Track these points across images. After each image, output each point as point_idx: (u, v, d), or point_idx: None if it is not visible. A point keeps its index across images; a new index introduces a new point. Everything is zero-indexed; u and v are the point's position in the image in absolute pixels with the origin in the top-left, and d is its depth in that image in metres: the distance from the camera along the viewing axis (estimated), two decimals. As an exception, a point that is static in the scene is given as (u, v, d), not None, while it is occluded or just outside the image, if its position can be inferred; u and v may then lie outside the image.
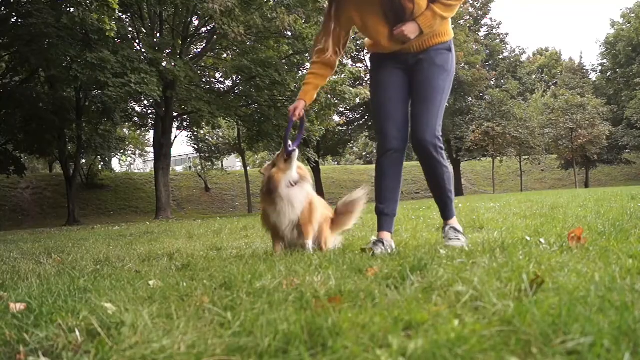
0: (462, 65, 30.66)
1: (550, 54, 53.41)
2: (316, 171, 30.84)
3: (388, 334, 1.06)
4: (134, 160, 42.55)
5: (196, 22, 20.67)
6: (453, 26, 26.73)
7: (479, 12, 35.77)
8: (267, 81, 18.25)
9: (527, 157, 33.24)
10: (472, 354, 0.94)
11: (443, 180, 2.60)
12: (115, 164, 37.90)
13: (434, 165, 2.56)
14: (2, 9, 15.92)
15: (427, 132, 2.49)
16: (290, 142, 2.70)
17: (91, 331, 1.28)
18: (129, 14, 19.03)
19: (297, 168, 2.74)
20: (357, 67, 29.11)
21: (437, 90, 2.53)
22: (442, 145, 2.55)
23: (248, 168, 31.44)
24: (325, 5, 14.69)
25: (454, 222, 2.70)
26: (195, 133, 29.92)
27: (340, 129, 33.88)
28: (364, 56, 30.83)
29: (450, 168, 2.67)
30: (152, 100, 18.75)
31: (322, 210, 2.87)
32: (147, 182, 31.41)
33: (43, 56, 15.08)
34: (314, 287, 1.59)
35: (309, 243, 2.74)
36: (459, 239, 2.57)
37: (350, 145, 41.66)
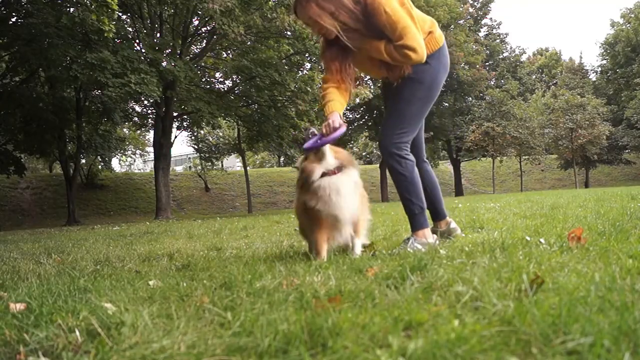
0: (462, 65, 30.66)
1: (550, 54, 53.41)
2: (316, 171, 30.76)
3: (388, 334, 1.06)
4: (134, 161, 42.60)
5: (196, 22, 20.67)
6: (452, 27, 26.13)
7: (479, 12, 35.78)
8: (267, 81, 18.24)
9: (527, 157, 33.24)
10: (472, 354, 0.94)
11: (398, 187, 2.60)
12: (115, 163, 37.94)
13: (391, 171, 2.60)
14: (2, 8, 15.90)
15: (384, 139, 2.56)
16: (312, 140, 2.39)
17: (91, 331, 1.28)
18: (128, 14, 19.02)
19: (335, 152, 2.42)
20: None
21: (397, 99, 2.57)
22: (401, 153, 2.53)
23: (248, 168, 31.43)
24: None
25: (419, 234, 2.59)
26: (195, 133, 29.92)
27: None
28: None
29: (410, 176, 2.55)
30: (152, 100, 18.74)
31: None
32: (147, 182, 31.42)
33: (43, 55, 15.07)
34: (314, 287, 1.59)
35: (359, 244, 2.45)
36: (413, 248, 2.45)
37: (350, 145, 41.64)
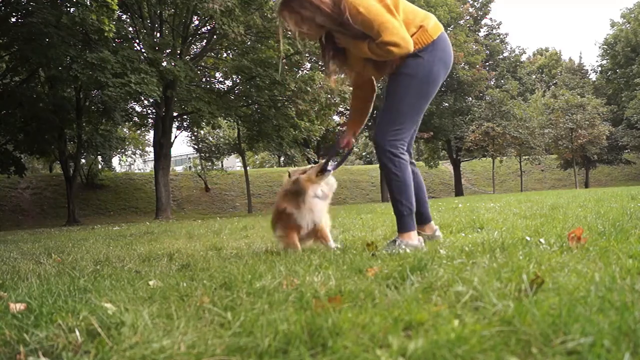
0: (462, 65, 30.66)
1: (550, 54, 53.46)
2: (316, 171, 30.79)
3: (388, 334, 1.06)
4: (134, 161, 42.62)
5: (196, 22, 20.67)
6: (452, 26, 26.05)
7: (479, 12, 35.77)
8: (267, 81, 18.24)
9: (527, 157, 33.25)
10: (472, 354, 0.94)
11: (390, 186, 2.57)
12: (115, 163, 37.96)
13: (383, 170, 2.59)
14: (2, 8, 15.90)
15: (379, 136, 2.53)
16: (330, 163, 2.91)
17: (91, 331, 1.28)
18: (128, 14, 19.03)
19: (326, 186, 2.94)
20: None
21: (391, 95, 2.54)
22: (396, 152, 2.49)
23: (248, 168, 31.43)
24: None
25: (405, 236, 2.52)
26: (195, 133, 29.92)
27: (341, 129, 33.88)
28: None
29: (403, 177, 2.52)
30: (152, 100, 18.74)
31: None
32: (147, 182, 31.41)
33: (43, 55, 15.07)
34: (314, 287, 1.59)
35: (332, 243, 3.00)
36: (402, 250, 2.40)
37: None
